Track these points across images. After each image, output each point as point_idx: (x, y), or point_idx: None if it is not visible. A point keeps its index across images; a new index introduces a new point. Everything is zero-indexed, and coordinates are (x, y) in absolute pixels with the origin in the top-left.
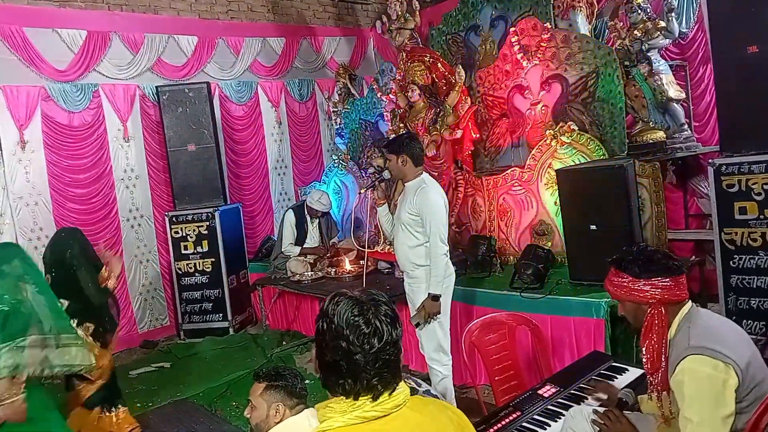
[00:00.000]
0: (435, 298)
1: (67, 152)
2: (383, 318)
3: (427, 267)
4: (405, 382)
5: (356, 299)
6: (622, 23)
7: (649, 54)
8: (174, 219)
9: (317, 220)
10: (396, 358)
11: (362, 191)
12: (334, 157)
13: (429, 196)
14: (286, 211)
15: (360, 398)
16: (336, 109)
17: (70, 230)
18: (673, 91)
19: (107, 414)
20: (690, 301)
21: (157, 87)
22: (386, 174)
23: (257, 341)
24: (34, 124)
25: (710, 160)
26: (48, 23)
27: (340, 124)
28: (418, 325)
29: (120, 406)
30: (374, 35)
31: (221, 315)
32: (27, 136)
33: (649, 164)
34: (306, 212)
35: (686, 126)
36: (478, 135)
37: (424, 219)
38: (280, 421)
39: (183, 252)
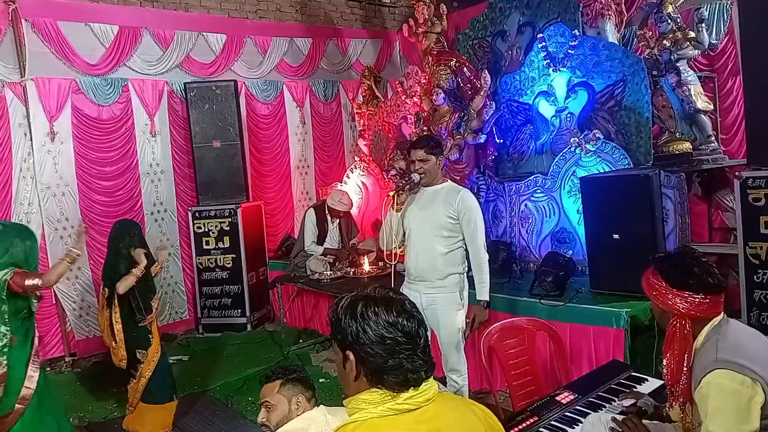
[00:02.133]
0: (487, 305)
1: (95, 145)
2: (411, 310)
3: (458, 274)
4: None
5: (377, 298)
6: (651, 33)
7: (677, 64)
8: (197, 214)
9: (337, 220)
10: (428, 345)
11: (398, 193)
12: (356, 158)
13: (472, 199)
14: (307, 209)
15: (402, 392)
16: (360, 111)
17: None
18: (701, 102)
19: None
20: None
21: (185, 83)
22: (416, 177)
23: (274, 338)
24: (64, 116)
25: (737, 173)
26: (81, 17)
27: (363, 125)
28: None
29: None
30: (400, 38)
31: (240, 311)
32: (57, 127)
33: (674, 175)
34: (326, 211)
35: (713, 138)
36: (501, 140)
37: (468, 222)
38: (302, 413)
39: (205, 247)
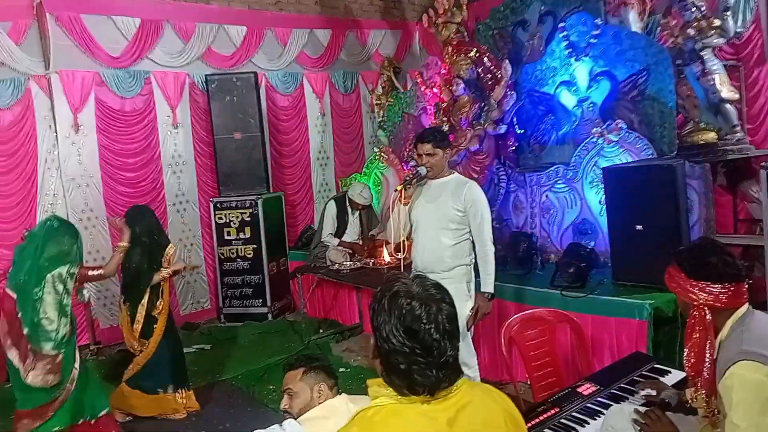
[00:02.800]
0: (491, 297)
1: (119, 136)
2: (446, 321)
3: (465, 266)
4: None
5: (420, 300)
6: (675, 21)
7: (702, 53)
8: (218, 205)
9: (358, 212)
10: (457, 356)
11: (405, 186)
12: (376, 149)
13: (479, 192)
14: (329, 201)
15: (407, 396)
16: (379, 102)
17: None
18: (727, 91)
19: (170, 394)
20: (748, 303)
21: (206, 75)
22: (422, 170)
23: (295, 328)
24: (87, 108)
25: (763, 163)
26: (104, 10)
27: (382, 116)
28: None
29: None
30: (420, 29)
31: (261, 301)
32: (81, 119)
33: (699, 165)
34: (347, 204)
35: (739, 128)
36: (522, 131)
37: (475, 215)
38: (324, 401)
39: (226, 238)
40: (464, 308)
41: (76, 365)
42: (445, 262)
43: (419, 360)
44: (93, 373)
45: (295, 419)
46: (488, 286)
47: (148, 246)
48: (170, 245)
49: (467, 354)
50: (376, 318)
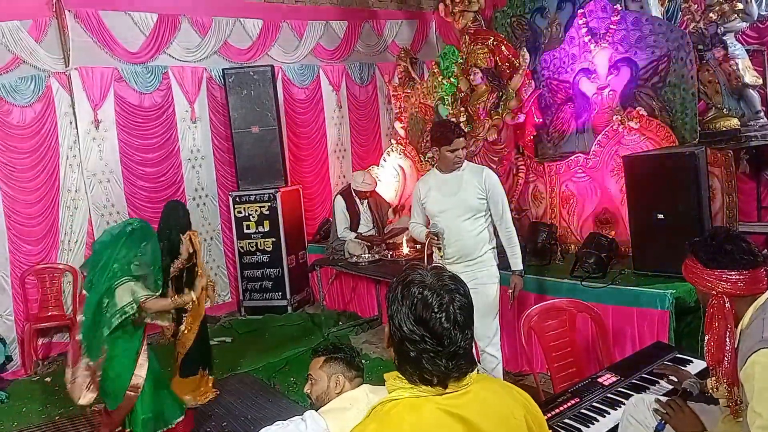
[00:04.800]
0: (522, 273)
1: (138, 132)
2: (459, 311)
3: (492, 248)
4: None
5: (433, 290)
6: (696, 5)
7: (724, 38)
8: (237, 199)
9: (365, 201)
10: (471, 348)
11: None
12: (393, 141)
13: (495, 176)
14: (335, 197)
15: (419, 385)
16: (396, 93)
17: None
18: (750, 76)
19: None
20: None
21: (223, 69)
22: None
23: (314, 320)
24: (107, 104)
25: None
26: (121, 6)
27: (399, 108)
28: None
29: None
30: (436, 18)
31: (280, 294)
32: (101, 115)
33: (721, 152)
34: (354, 195)
35: (762, 114)
36: (541, 120)
37: (496, 200)
38: (341, 392)
39: (245, 231)
40: (494, 289)
41: (140, 372)
42: (474, 248)
43: (428, 348)
44: (163, 383)
45: (315, 406)
46: (518, 264)
47: (170, 241)
48: (186, 234)
49: (495, 334)
50: (390, 307)
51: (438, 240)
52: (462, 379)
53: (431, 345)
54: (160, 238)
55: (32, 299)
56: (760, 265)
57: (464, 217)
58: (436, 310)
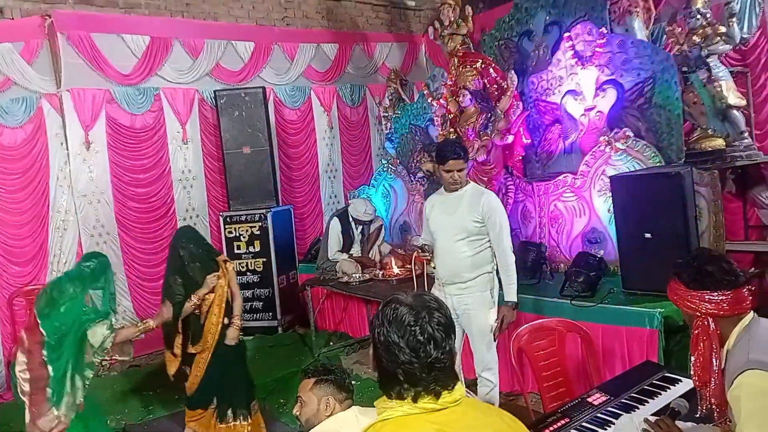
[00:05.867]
0: (515, 306)
1: (129, 153)
2: (436, 326)
3: (487, 273)
4: None
5: (411, 307)
6: (680, 29)
7: (708, 60)
8: (228, 219)
9: (361, 227)
10: (451, 363)
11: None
12: (384, 161)
13: (497, 201)
14: (331, 218)
15: (419, 400)
16: (386, 114)
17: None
18: (734, 97)
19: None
20: (752, 311)
21: (215, 91)
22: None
23: (305, 341)
24: (98, 126)
25: None
26: (114, 29)
27: (390, 128)
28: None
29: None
30: (426, 41)
31: (271, 314)
32: (92, 137)
33: (707, 172)
34: (351, 220)
35: (746, 134)
36: (529, 140)
37: (494, 224)
38: (331, 414)
39: (236, 251)
40: (489, 316)
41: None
42: (467, 271)
43: (404, 360)
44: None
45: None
46: (511, 295)
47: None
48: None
49: (491, 360)
50: (372, 329)
51: (425, 254)
52: (450, 394)
53: (407, 356)
54: (175, 269)
55: (20, 321)
56: (742, 285)
57: (458, 237)
58: (411, 324)
